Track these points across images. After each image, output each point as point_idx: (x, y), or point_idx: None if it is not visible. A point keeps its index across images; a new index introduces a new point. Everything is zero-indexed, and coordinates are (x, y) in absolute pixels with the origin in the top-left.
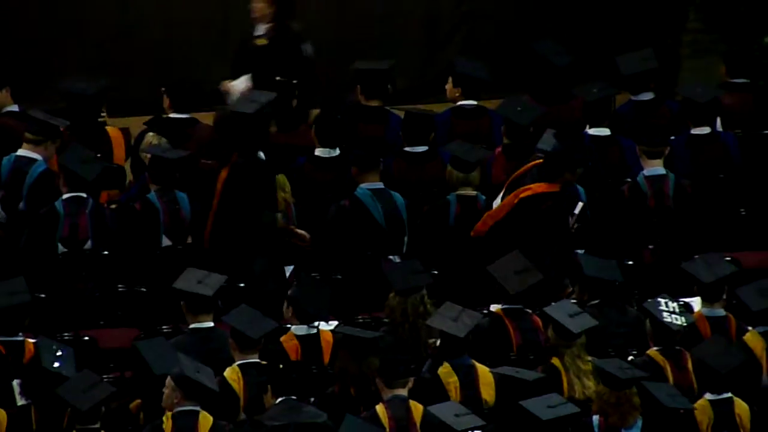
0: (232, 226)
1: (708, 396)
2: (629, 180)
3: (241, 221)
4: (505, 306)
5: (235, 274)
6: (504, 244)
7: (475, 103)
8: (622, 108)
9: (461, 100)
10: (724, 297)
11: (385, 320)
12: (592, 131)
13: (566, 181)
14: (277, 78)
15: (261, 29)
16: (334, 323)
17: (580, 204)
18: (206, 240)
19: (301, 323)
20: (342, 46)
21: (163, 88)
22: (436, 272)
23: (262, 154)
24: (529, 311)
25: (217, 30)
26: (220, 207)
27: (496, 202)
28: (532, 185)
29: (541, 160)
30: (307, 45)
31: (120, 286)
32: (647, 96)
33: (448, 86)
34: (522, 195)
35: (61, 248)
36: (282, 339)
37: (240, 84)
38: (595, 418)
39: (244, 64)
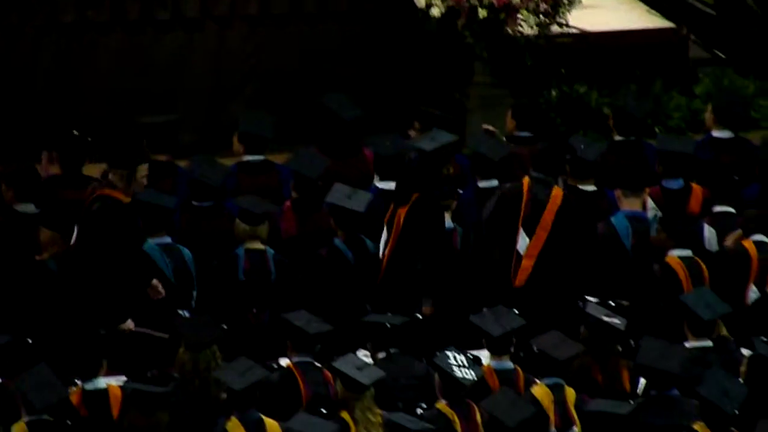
0: (408, 265)
1: None
2: None
3: (416, 260)
4: (296, 359)
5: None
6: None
7: (261, 157)
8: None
9: (246, 155)
10: (512, 350)
11: (175, 375)
12: (381, 185)
13: None
14: (74, 132)
15: None
16: (122, 378)
17: None
18: (380, 278)
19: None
20: (128, 98)
21: None
22: (226, 327)
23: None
24: (320, 365)
25: None
26: (399, 245)
27: None
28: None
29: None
30: None
31: None
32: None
33: (234, 141)
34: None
35: None
36: (71, 394)
37: None
38: None
39: None
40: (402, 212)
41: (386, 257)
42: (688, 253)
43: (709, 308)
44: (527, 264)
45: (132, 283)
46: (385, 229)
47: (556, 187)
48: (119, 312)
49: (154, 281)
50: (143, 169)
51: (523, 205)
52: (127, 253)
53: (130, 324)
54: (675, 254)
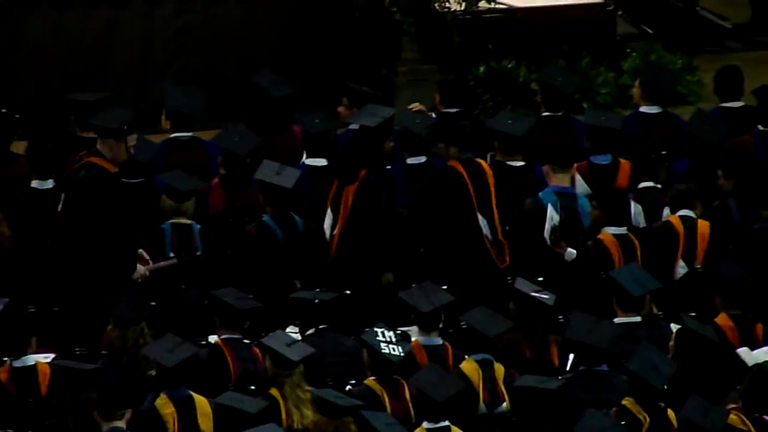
0: (360, 243)
1: (426, 425)
2: None
3: (371, 237)
4: (224, 336)
5: None
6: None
7: (189, 134)
8: (341, 136)
9: (174, 132)
10: (441, 325)
11: (104, 352)
12: (309, 161)
13: None
14: (3, 111)
15: None
16: (51, 355)
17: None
18: (330, 257)
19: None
20: (58, 76)
21: None
22: (154, 303)
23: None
24: (248, 341)
25: None
26: (350, 223)
27: None
28: None
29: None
30: None
31: None
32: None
33: (162, 118)
34: None
35: None
36: None
37: None
38: None
39: None
40: (351, 189)
41: (337, 237)
42: (622, 230)
43: (639, 284)
44: (505, 242)
45: (123, 248)
46: (329, 209)
47: (481, 162)
48: (125, 265)
49: (140, 251)
50: (131, 140)
51: (471, 191)
52: (114, 220)
53: (141, 270)
54: (609, 231)
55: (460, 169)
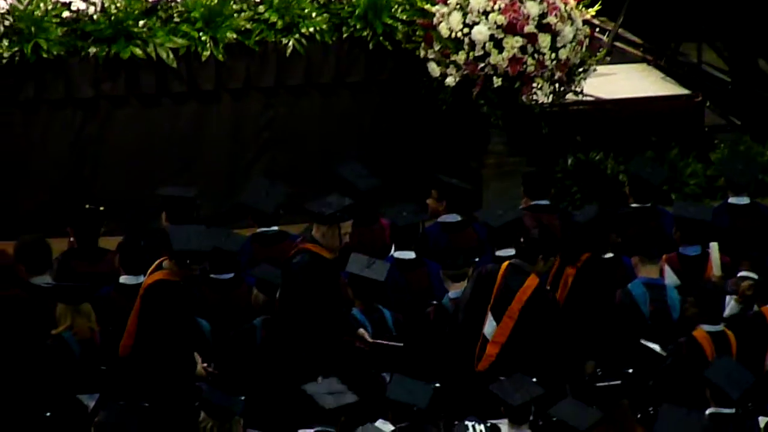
0: (576, 326)
1: None
2: (434, 303)
3: (585, 321)
4: (317, 429)
5: None
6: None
7: (276, 228)
8: (429, 229)
9: (257, 227)
10: (531, 418)
11: None
12: (397, 254)
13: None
14: (87, 206)
15: None
16: None
17: None
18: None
19: None
20: (146, 172)
21: None
22: (243, 397)
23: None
24: None
25: None
26: (567, 306)
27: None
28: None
29: None
30: None
31: None
32: (453, 218)
33: None
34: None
35: None
36: None
37: None
38: None
39: None
40: (571, 272)
41: None
42: (718, 328)
43: (736, 384)
44: (492, 351)
45: (334, 334)
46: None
47: (532, 275)
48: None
49: (360, 330)
50: (346, 226)
51: (495, 289)
52: (330, 306)
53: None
54: (704, 329)
55: (502, 267)
